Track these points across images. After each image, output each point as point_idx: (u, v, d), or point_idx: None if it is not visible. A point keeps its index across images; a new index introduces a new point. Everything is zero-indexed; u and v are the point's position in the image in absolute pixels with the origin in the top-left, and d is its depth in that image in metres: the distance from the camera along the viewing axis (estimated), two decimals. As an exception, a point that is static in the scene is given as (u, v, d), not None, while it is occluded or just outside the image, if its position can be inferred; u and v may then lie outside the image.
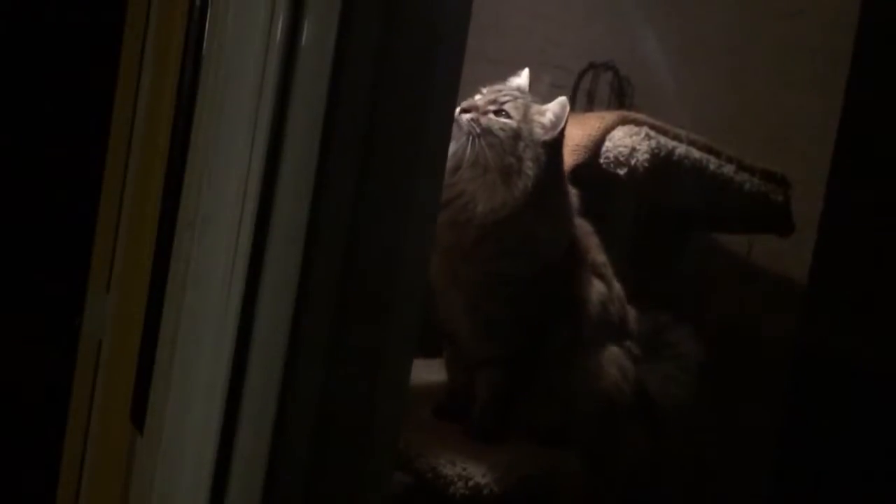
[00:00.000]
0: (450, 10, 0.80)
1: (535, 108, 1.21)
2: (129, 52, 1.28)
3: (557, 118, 1.19)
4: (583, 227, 1.30)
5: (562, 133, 1.20)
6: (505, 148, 1.16)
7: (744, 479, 1.78)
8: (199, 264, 0.72)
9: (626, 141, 1.36)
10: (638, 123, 1.40)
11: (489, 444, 1.24)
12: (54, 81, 1.49)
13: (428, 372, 1.42)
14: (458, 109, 1.19)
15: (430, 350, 1.42)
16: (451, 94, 0.84)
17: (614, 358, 1.30)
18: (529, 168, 1.16)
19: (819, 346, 1.86)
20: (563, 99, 1.21)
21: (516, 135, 1.17)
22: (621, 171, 1.35)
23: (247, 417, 0.70)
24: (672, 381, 1.41)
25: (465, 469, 1.14)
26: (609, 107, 1.88)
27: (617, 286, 1.34)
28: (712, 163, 1.49)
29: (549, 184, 1.19)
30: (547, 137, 1.19)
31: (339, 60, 0.72)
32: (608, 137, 1.37)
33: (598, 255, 1.32)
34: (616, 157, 1.35)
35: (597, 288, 1.29)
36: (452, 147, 1.19)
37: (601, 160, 1.37)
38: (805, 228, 1.74)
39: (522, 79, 1.29)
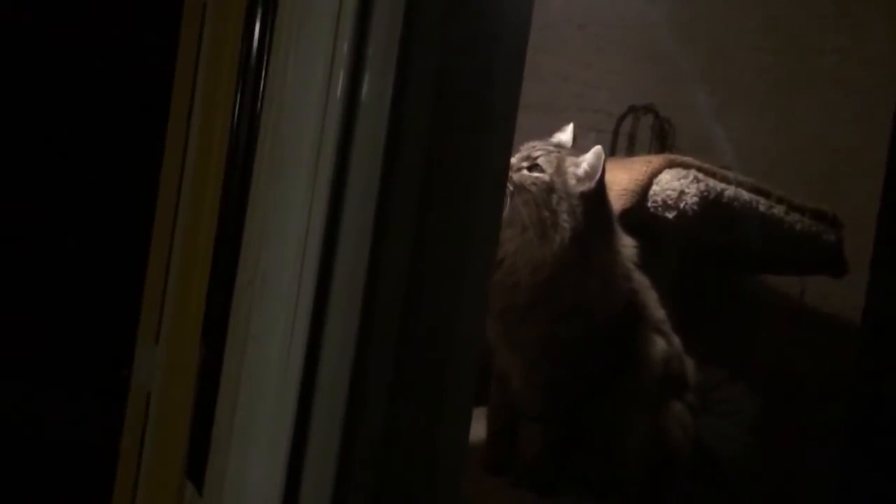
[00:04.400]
0: (504, 61, 0.80)
1: (570, 160, 1.19)
2: (178, 103, 1.31)
3: (593, 168, 1.16)
4: (641, 282, 1.27)
5: (599, 183, 1.17)
6: (538, 202, 1.14)
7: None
8: (260, 323, 0.72)
9: (675, 184, 1.34)
10: (686, 166, 1.38)
11: (541, 496, 1.21)
12: (104, 135, 1.53)
13: (476, 421, 1.40)
14: None
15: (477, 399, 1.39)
16: (506, 146, 0.83)
17: (676, 414, 1.26)
18: (565, 221, 1.13)
19: (876, 389, 1.80)
20: (598, 148, 1.18)
21: (549, 188, 1.15)
22: (670, 215, 1.34)
23: (309, 479, 0.69)
24: (729, 438, 1.36)
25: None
26: (650, 150, 1.87)
27: (676, 339, 1.30)
28: (762, 204, 1.47)
29: (593, 237, 1.16)
30: (583, 188, 1.16)
31: (397, 116, 0.72)
32: (655, 181, 1.36)
33: (656, 311, 1.29)
34: (664, 201, 1.34)
35: (658, 345, 1.26)
36: None
37: (649, 204, 1.35)
38: (859, 268, 1.70)
39: (566, 134, 1.27)
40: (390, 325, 0.73)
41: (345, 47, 0.71)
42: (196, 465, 0.87)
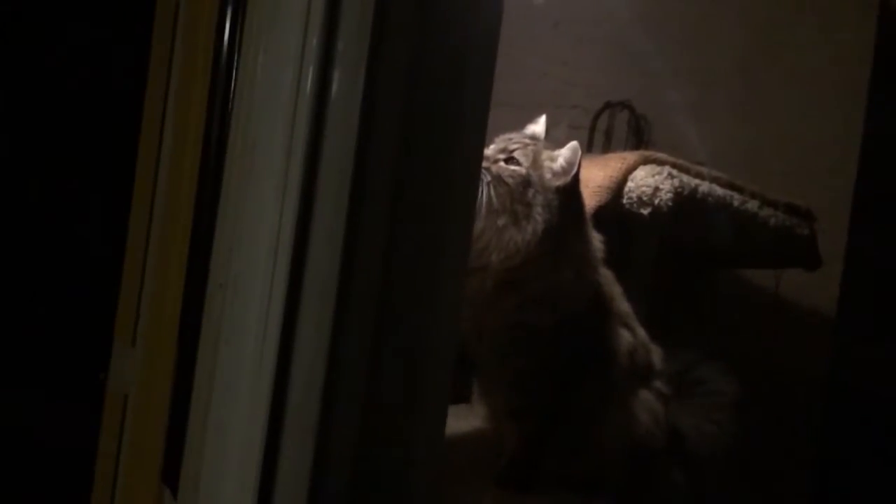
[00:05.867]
0: (475, 60, 0.80)
1: (546, 153, 1.20)
2: (151, 105, 1.29)
3: (569, 163, 1.18)
4: (606, 276, 1.28)
5: (575, 178, 1.18)
6: (514, 195, 1.15)
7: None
8: (232, 326, 0.72)
9: (649, 181, 1.35)
10: (660, 163, 1.39)
11: (520, 493, 1.22)
12: (78, 137, 1.51)
13: (455, 419, 1.40)
14: None
15: (454, 395, 1.40)
16: (478, 142, 0.83)
17: (644, 402, 1.28)
18: (539, 214, 1.15)
19: (850, 379, 1.83)
20: (574, 144, 1.19)
21: (525, 181, 1.16)
22: (645, 211, 1.34)
23: (283, 480, 0.69)
24: (707, 419, 1.38)
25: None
26: (626, 145, 1.88)
27: (641, 331, 1.32)
28: (736, 199, 1.48)
29: (567, 230, 1.18)
30: (559, 183, 1.17)
31: (368, 113, 0.72)
32: (630, 178, 1.37)
33: (622, 305, 1.30)
34: (639, 198, 1.35)
35: (623, 338, 1.27)
36: None
37: (624, 201, 1.36)
38: (832, 261, 1.72)
39: (539, 126, 1.28)
40: (364, 326, 0.73)
41: (314, 42, 0.71)
42: (171, 467, 0.86)
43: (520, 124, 1.31)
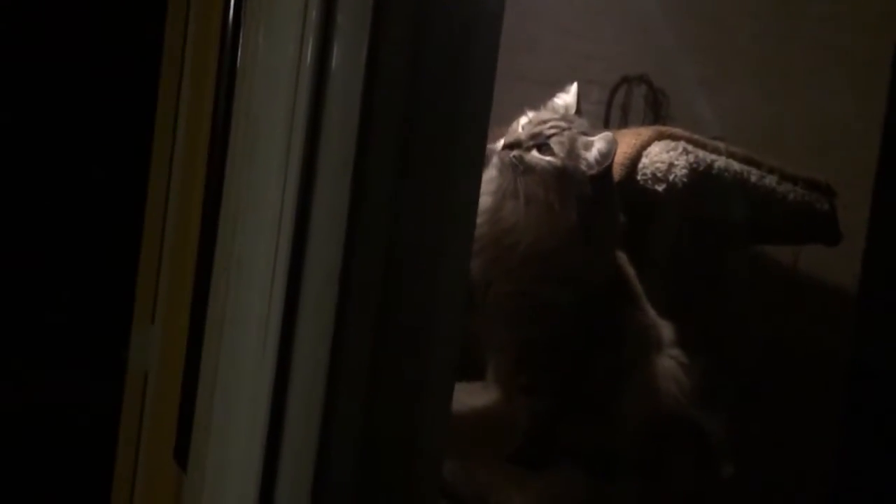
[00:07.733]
0: (479, 32, 0.79)
1: (582, 140, 1.18)
2: (166, 92, 1.30)
3: (603, 155, 1.17)
4: (621, 257, 1.29)
5: (609, 167, 1.18)
6: (549, 186, 1.15)
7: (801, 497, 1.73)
8: (236, 307, 0.72)
9: (664, 156, 1.33)
10: (675, 138, 1.37)
11: (534, 470, 1.22)
12: (96, 124, 1.53)
13: (469, 396, 1.41)
14: (500, 143, 1.17)
15: (468, 373, 1.41)
16: (484, 114, 0.82)
17: (666, 370, 1.27)
18: (573, 206, 1.15)
19: (873, 357, 1.80)
20: (608, 135, 1.18)
21: (560, 174, 1.15)
22: (659, 188, 1.33)
23: (288, 457, 0.70)
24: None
25: (510, 498, 1.13)
26: (644, 120, 1.86)
27: (651, 311, 1.32)
28: (753, 174, 1.46)
29: (597, 214, 1.18)
30: (593, 173, 1.17)
31: (370, 88, 0.71)
32: (644, 154, 1.35)
33: (635, 286, 1.31)
34: (653, 174, 1.33)
35: (635, 318, 1.27)
36: (497, 181, 1.18)
37: (638, 177, 1.34)
38: (853, 236, 1.69)
39: (570, 95, 1.26)
40: (367, 306, 0.73)
41: (314, 15, 0.70)
42: (181, 445, 0.88)
43: (535, 99, 1.29)
